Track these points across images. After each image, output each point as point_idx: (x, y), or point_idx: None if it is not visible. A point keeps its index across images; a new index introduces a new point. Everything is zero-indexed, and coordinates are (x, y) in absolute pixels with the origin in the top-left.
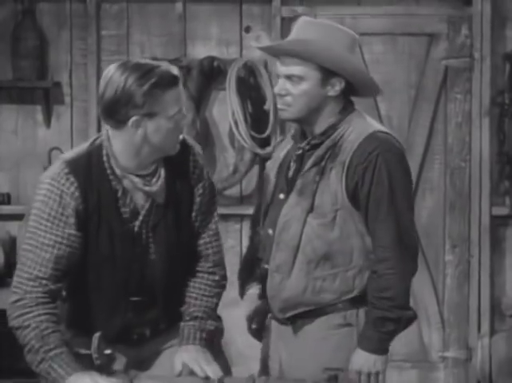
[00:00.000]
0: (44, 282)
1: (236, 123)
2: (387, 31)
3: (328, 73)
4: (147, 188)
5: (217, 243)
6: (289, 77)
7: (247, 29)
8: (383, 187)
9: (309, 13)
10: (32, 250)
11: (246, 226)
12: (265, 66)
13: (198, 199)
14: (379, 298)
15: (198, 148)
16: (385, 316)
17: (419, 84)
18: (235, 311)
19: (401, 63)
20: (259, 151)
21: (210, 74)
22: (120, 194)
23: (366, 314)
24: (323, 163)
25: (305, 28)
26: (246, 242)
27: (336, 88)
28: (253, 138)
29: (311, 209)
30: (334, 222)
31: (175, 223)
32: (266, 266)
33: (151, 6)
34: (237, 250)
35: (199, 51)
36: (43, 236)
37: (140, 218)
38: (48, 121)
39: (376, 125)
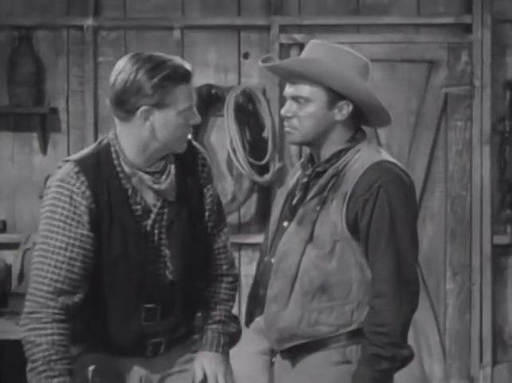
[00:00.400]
0: (60, 289)
1: (234, 150)
2: (387, 58)
3: (335, 96)
4: (156, 186)
5: (229, 244)
6: (295, 99)
7: (246, 56)
8: (383, 220)
9: (308, 41)
10: (45, 255)
11: (245, 254)
12: (264, 93)
13: (209, 200)
14: (374, 333)
15: (204, 151)
16: (379, 353)
17: (419, 111)
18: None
19: (401, 90)
20: (258, 178)
21: (208, 101)
22: (130, 192)
23: (362, 349)
24: (325, 193)
25: (314, 49)
26: (244, 271)
27: (343, 111)
28: (251, 165)
29: (310, 239)
30: (332, 253)
31: (190, 222)
32: (266, 295)
33: (149, 33)
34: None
35: (197, 78)
36: (55, 238)
37: (152, 216)
38: (44, 149)
39: (384, 155)
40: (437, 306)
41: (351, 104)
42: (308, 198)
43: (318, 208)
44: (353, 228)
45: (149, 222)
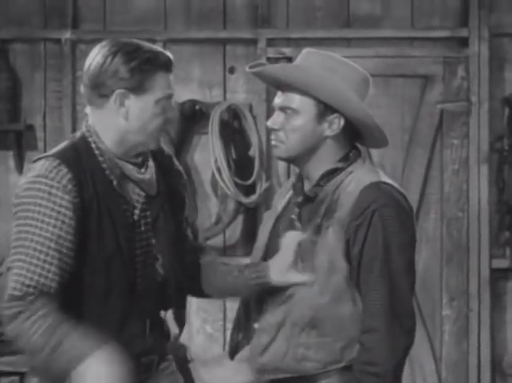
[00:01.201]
0: (41, 289)
1: (219, 169)
2: (379, 73)
3: (325, 109)
4: (140, 176)
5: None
6: (283, 109)
7: (231, 71)
8: (376, 247)
9: (296, 55)
10: (24, 252)
11: None
12: (250, 109)
13: (185, 195)
14: (364, 373)
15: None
16: None
17: (413, 128)
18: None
19: (394, 106)
20: (243, 199)
21: (192, 118)
22: (115, 183)
23: None
24: (318, 220)
25: (307, 57)
26: None
27: (334, 126)
28: (237, 185)
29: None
30: (327, 286)
31: (173, 218)
32: (256, 325)
33: None
34: (220, 302)
35: (181, 93)
36: (30, 239)
37: (137, 212)
38: (20, 167)
39: (380, 175)
40: (433, 332)
41: (342, 119)
42: (303, 228)
43: (315, 238)
44: (347, 257)
45: (135, 217)
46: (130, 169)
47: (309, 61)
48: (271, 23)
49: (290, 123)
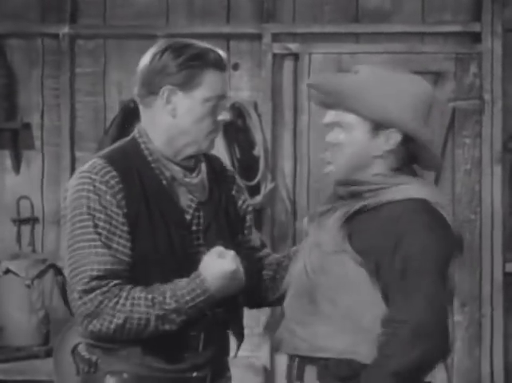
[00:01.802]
0: (107, 279)
1: None
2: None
3: (380, 123)
4: (187, 179)
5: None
6: (338, 125)
7: (235, 67)
8: (409, 259)
9: (303, 51)
10: (80, 254)
11: None
12: (255, 107)
13: (248, 217)
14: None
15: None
16: None
17: None
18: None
19: None
20: None
21: None
22: (164, 183)
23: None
24: (338, 203)
25: (363, 72)
26: None
27: (390, 141)
28: None
29: (315, 244)
30: (326, 264)
31: (228, 229)
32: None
33: (130, 42)
34: None
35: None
36: (91, 238)
37: (188, 217)
38: (17, 167)
39: (432, 193)
40: None
41: (399, 134)
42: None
43: (326, 214)
44: (355, 246)
45: (187, 222)
46: (177, 171)
47: (361, 76)
48: (277, 17)
49: (345, 135)
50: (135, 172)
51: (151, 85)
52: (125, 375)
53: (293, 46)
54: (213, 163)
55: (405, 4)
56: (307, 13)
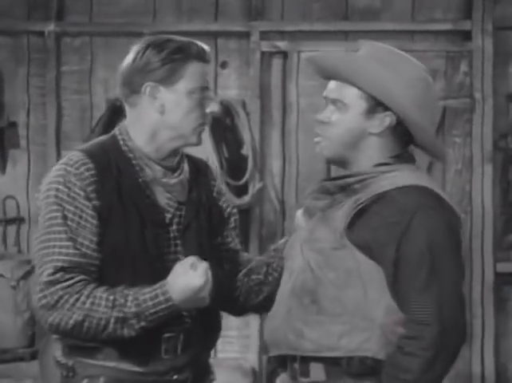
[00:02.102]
0: (72, 271)
1: None
2: None
3: (376, 105)
4: (164, 180)
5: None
6: (334, 103)
7: (223, 65)
8: (422, 250)
9: (292, 49)
10: (46, 246)
11: None
12: (243, 106)
13: (232, 219)
14: (393, 378)
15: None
16: None
17: None
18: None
19: None
20: (235, 200)
21: None
22: (140, 180)
23: None
24: (338, 195)
25: (365, 48)
26: None
27: (384, 124)
28: (228, 185)
29: (308, 238)
30: (329, 261)
31: (209, 229)
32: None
33: (117, 40)
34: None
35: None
36: (58, 230)
37: (169, 215)
38: (3, 167)
39: (430, 183)
40: None
41: (394, 118)
42: (319, 197)
43: (325, 208)
44: (357, 240)
45: (166, 221)
46: (156, 171)
47: (365, 52)
48: (265, 15)
49: (337, 116)
50: (113, 167)
51: (133, 84)
52: (102, 379)
53: (282, 44)
54: (197, 164)
55: (395, 2)
56: (296, 11)
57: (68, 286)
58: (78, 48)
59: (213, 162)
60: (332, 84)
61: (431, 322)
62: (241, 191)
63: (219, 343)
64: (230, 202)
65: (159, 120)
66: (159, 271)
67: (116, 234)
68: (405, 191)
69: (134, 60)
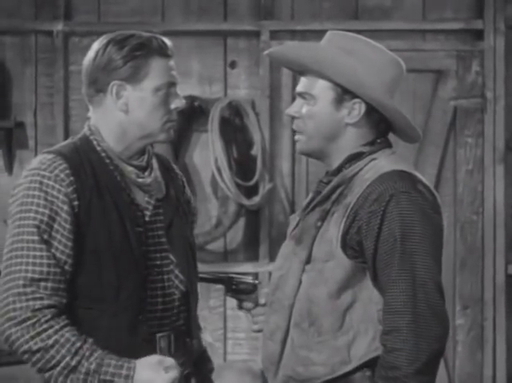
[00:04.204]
0: (45, 287)
1: (219, 169)
2: None
3: (343, 93)
4: (140, 180)
5: None
6: (302, 96)
7: (232, 65)
8: (393, 239)
9: None
10: (18, 255)
11: None
12: (253, 106)
13: (193, 205)
14: (385, 379)
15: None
16: None
17: (425, 126)
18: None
19: (405, 103)
20: (245, 201)
21: (191, 115)
22: (119, 179)
23: None
24: (328, 206)
25: (328, 38)
26: (230, 304)
27: (354, 113)
28: (238, 186)
29: (308, 261)
30: (322, 276)
31: (186, 224)
32: (258, 329)
33: None
34: (220, 311)
35: (179, 89)
36: (27, 232)
37: (148, 213)
38: (10, 167)
39: (406, 166)
40: None
41: (363, 105)
42: (307, 210)
43: (319, 224)
44: (349, 245)
45: (146, 219)
46: (129, 172)
47: (328, 41)
48: (275, 14)
49: (307, 109)
50: (88, 167)
51: (98, 83)
52: None
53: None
54: (162, 160)
55: (406, 1)
56: (305, 10)
57: (38, 309)
58: (86, 47)
59: (222, 162)
60: (302, 79)
61: (403, 311)
62: (251, 191)
63: (229, 345)
64: (191, 194)
65: (125, 119)
66: (144, 271)
67: (99, 234)
68: (382, 179)
69: (95, 58)
